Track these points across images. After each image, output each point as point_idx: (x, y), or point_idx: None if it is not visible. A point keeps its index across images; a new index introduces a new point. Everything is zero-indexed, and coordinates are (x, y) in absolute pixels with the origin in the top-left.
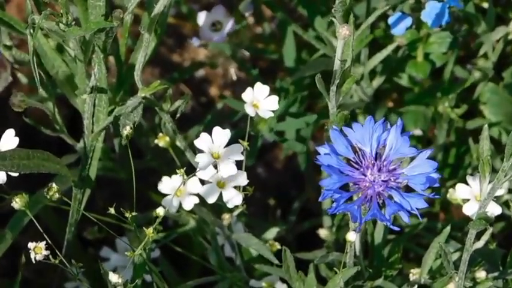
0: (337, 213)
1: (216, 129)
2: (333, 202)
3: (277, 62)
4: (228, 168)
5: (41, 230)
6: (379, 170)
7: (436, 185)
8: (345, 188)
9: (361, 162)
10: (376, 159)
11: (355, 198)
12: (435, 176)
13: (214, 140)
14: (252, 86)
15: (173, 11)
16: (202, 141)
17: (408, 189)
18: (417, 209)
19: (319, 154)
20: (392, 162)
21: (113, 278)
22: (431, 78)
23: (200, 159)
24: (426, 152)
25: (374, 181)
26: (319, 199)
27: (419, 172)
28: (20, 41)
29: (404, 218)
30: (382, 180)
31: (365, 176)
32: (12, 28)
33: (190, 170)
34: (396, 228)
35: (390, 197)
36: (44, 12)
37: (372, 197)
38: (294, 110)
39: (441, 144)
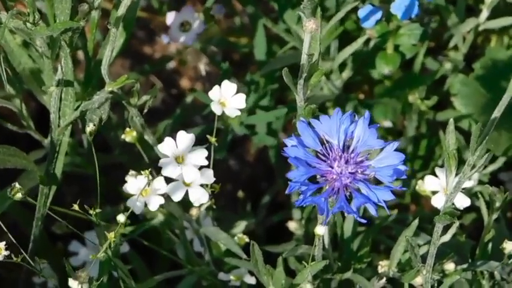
0: (305, 205)
1: (180, 134)
2: (300, 194)
3: (248, 55)
4: (191, 173)
5: (5, 229)
6: (347, 162)
7: (404, 176)
8: (312, 180)
9: (329, 154)
10: (343, 151)
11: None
12: (402, 168)
13: (178, 145)
14: (223, 80)
15: (143, 3)
16: (166, 146)
17: (376, 182)
18: (384, 201)
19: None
20: (360, 154)
21: (73, 285)
22: (402, 69)
23: (164, 165)
24: (394, 144)
25: (341, 173)
26: (286, 191)
27: (386, 164)
28: None
29: (372, 211)
30: (350, 172)
31: (332, 168)
32: None
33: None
34: (363, 221)
35: (358, 189)
36: (11, 11)
37: (339, 189)
38: (264, 103)
39: (411, 136)
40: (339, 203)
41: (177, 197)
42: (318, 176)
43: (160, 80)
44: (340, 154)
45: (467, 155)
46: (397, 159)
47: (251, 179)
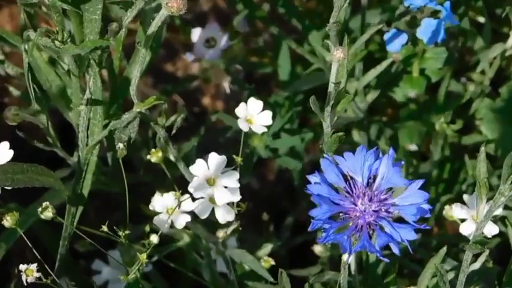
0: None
1: (212, 155)
2: (323, 231)
3: (270, 74)
4: (222, 196)
5: (34, 250)
6: (370, 199)
7: (428, 215)
8: (336, 216)
9: (352, 191)
10: (367, 188)
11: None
12: (426, 207)
13: (209, 166)
14: (246, 98)
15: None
16: (197, 167)
17: (399, 219)
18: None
19: (312, 168)
20: (384, 192)
21: None
22: (426, 92)
23: (195, 187)
24: (418, 182)
25: (365, 211)
26: (309, 229)
27: (410, 202)
28: (11, 51)
29: (395, 250)
30: (373, 210)
31: (356, 205)
32: (5, 41)
33: (183, 183)
34: (386, 260)
35: (381, 228)
36: (40, 29)
37: (363, 227)
38: (288, 126)
39: (436, 160)
40: (361, 242)
41: (203, 214)
42: (341, 213)
43: (182, 98)
44: (364, 191)
45: (494, 179)
46: (421, 197)
47: (273, 198)
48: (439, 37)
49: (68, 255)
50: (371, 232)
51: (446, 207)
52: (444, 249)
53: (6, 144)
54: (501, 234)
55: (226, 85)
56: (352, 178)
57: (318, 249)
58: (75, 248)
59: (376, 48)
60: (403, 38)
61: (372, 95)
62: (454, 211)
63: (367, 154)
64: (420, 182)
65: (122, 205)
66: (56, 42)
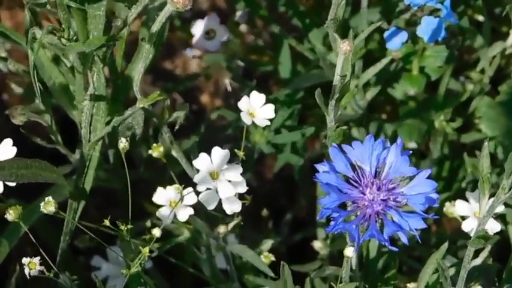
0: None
1: (215, 149)
2: (330, 220)
3: (270, 73)
4: (226, 190)
5: (37, 244)
6: (379, 188)
7: (436, 205)
8: (342, 206)
9: (360, 180)
10: (375, 177)
11: (353, 217)
12: (434, 196)
13: (213, 160)
14: (244, 95)
15: None
16: (201, 161)
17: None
18: (416, 229)
19: (312, 165)
20: (392, 181)
21: None
22: (425, 90)
23: (198, 181)
24: (426, 171)
25: (373, 200)
26: (317, 218)
27: (418, 192)
28: (12, 47)
29: (403, 239)
30: (381, 199)
31: (364, 194)
32: (8, 38)
33: (185, 179)
34: (394, 249)
35: (389, 217)
36: (46, 27)
37: (371, 216)
38: (289, 123)
39: (436, 158)
40: (370, 231)
41: (211, 205)
42: (349, 202)
43: (181, 95)
44: (372, 180)
45: (493, 177)
46: (429, 187)
47: (270, 195)
48: (439, 35)
49: (69, 251)
50: (379, 221)
51: (447, 204)
52: (445, 245)
53: (9, 141)
54: (500, 232)
55: (227, 82)
56: (360, 167)
57: (317, 245)
58: (75, 244)
59: (375, 47)
60: (403, 36)
61: (372, 93)
62: (457, 208)
63: (375, 143)
64: (428, 171)
65: (122, 202)
66: (62, 40)
